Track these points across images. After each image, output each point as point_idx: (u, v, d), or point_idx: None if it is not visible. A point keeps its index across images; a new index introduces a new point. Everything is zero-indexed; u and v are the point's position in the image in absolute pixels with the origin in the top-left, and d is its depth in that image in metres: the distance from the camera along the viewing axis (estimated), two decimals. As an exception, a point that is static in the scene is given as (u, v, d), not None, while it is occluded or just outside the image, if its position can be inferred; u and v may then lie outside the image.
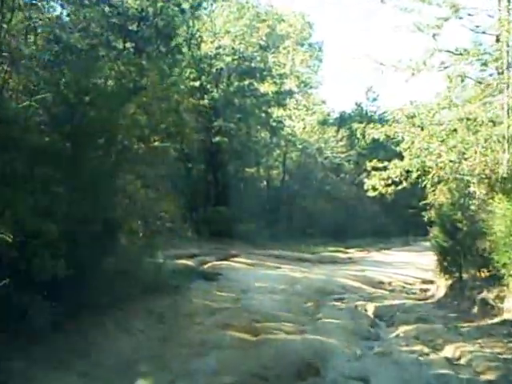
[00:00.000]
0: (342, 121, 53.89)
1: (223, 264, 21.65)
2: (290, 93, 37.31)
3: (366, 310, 15.39)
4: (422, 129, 20.51)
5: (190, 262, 21.38)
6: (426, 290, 20.20)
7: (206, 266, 21.08)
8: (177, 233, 15.80)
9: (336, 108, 68.43)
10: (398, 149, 23.97)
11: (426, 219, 21.32)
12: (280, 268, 22.93)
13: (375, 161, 23.87)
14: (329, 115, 55.02)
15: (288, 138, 44.13)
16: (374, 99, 56.47)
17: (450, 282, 16.94)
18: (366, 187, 24.23)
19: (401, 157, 23.15)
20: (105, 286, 8.84)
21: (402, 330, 11.86)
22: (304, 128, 47.43)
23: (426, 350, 9.66)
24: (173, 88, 17.83)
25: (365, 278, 21.80)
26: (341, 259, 29.77)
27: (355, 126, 27.19)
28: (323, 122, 50.46)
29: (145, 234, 12.94)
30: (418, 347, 9.84)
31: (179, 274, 16.51)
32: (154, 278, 12.22)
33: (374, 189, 23.25)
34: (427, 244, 40.99)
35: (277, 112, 38.64)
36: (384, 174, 22.58)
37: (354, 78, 78.00)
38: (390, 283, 21.72)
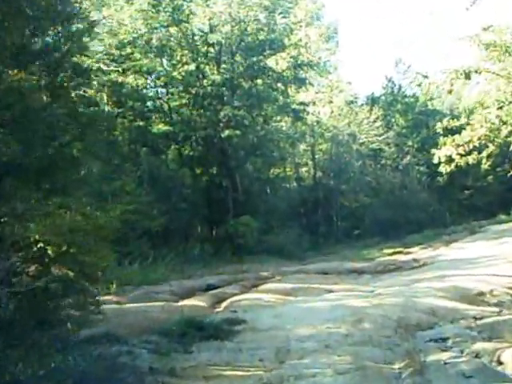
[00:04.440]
0: (374, 100, 47.09)
1: (249, 298, 14.79)
2: (309, 64, 30.29)
3: (500, 364, 8.46)
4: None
5: (199, 302, 14.75)
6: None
7: (222, 306, 14.32)
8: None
9: (361, 91, 61.19)
10: (458, 109, 17.24)
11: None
12: (331, 291, 16.01)
13: (447, 120, 16.75)
14: (356, 98, 48.05)
15: (314, 126, 37.40)
16: (406, 71, 49.34)
17: None
18: (436, 160, 17.12)
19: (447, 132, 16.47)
20: None
21: None
22: (331, 112, 40.55)
23: None
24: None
25: (455, 291, 14.67)
26: (405, 263, 22.73)
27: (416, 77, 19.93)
28: (352, 103, 43.59)
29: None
30: None
31: (165, 338, 9.81)
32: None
33: (450, 160, 16.16)
34: (498, 228, 34.49)
35: (296, 94, 31.92)
36: (461, 137, 15.50)
37: (377, 55, 71.47)
38: (491, 293, 14.65)
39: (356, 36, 73.44)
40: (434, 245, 28.91)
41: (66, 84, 7.57)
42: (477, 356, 8.93)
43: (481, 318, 11.71)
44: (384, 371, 8.29)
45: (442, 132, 16.90)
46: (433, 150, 17.70)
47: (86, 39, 8.11)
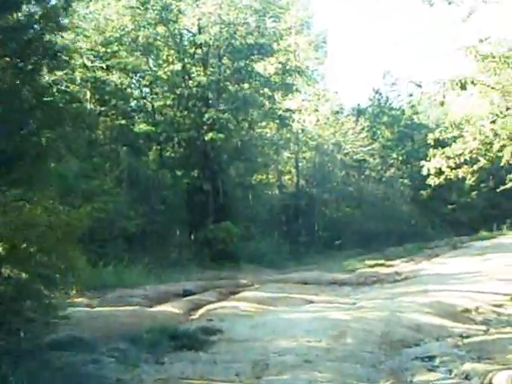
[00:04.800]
0: (360, 112, 46.74)
1: (226, 307, 14.14)
2: (298, 70, 29.73)
3: (492, 386, 7.92)
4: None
5: (174, 308, 14.10)
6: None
7: (198, 314, 13.68)
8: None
9: (347, 102, 60.81)
10: (443, 124, 16.96)
11: None
12: (311, 302, 15.43)
13: (438, 131, 16.32)
14: (342, 108, 47.62)
15: (298, 134, 36.93)
16: (393, 83, 49.15)
17: None
18: (425, 171, 16.60)
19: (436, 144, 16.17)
20: None
21: None
22: (317, 121, 40.08)
23: None
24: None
25: (440, 307, 14.15)
26: (388, 276, 22.15)
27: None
28: (338, 113, 43.21)
29: None
30: None
31: (135, 346, 9.17)
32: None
33: (439, 173, 15.67)
34: (481, 244, 34.11)
35: (283, 100, 31.41)
36: (452, 150, 15.05)
37: (365, 66, 71.48)
38: (477, 310, 14.15)
39: (344, 46, 73.38)
40: (416, 258, 28.44)
41: (37, 66, 6.89)
42: (466, 377, 8.40)
43: (467, 337, 11.20)
44: (367, 391, 7.75)
45: (432, 143, 16.40)
46: (422, 162, 17.08)
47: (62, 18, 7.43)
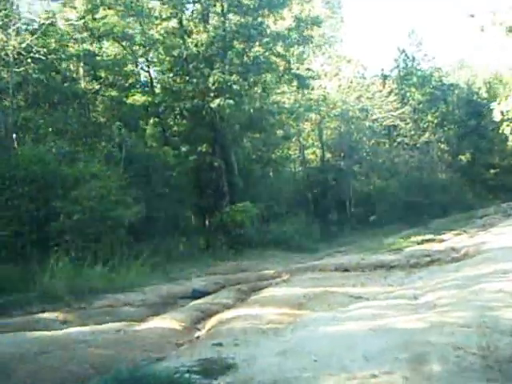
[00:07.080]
0: (385, 76, 42.56)
1: (243, 316, 10.21)
2: (315, 21, 25.37)
3: None
4: None
5: (173, 322, 10.33)
6: None
7: (205, 329, 9.89)
8: None
9: (369, 67, 56.55)
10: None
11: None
12: (359, 298, 11.48)
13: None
14: (365, 70, 43.37)
15: (320, 102, 32.89)
16: (419, 43, 44.81)
17: None
18: (497, 116, 12.59)
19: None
20: None
21: None
22: (339, 86, 36.02)
23: None
24: None
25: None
26: (443, 254, 18.05)
27: None
28: (362, 76, 39.12)
29: None
30: None
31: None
32: None
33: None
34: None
35: (300, 65, 27.37)
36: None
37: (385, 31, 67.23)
38: None
39: (361, 11, 69.34)
40: (468, 230, 24.59)
41: None
42: None
43: None
44: None
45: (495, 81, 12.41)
46: (492, 105, 13.03)
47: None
